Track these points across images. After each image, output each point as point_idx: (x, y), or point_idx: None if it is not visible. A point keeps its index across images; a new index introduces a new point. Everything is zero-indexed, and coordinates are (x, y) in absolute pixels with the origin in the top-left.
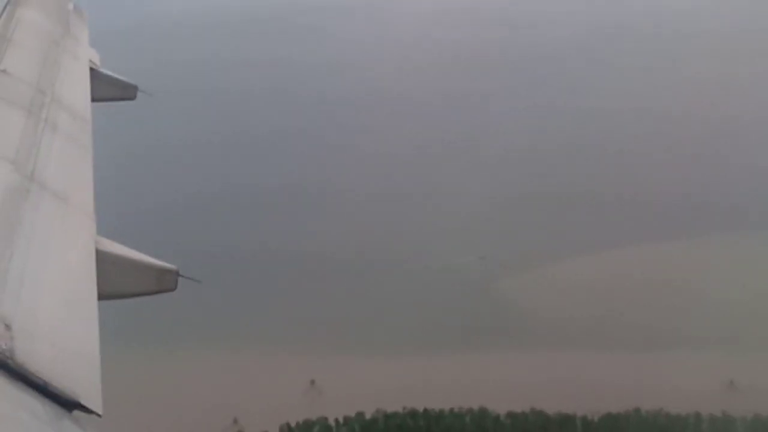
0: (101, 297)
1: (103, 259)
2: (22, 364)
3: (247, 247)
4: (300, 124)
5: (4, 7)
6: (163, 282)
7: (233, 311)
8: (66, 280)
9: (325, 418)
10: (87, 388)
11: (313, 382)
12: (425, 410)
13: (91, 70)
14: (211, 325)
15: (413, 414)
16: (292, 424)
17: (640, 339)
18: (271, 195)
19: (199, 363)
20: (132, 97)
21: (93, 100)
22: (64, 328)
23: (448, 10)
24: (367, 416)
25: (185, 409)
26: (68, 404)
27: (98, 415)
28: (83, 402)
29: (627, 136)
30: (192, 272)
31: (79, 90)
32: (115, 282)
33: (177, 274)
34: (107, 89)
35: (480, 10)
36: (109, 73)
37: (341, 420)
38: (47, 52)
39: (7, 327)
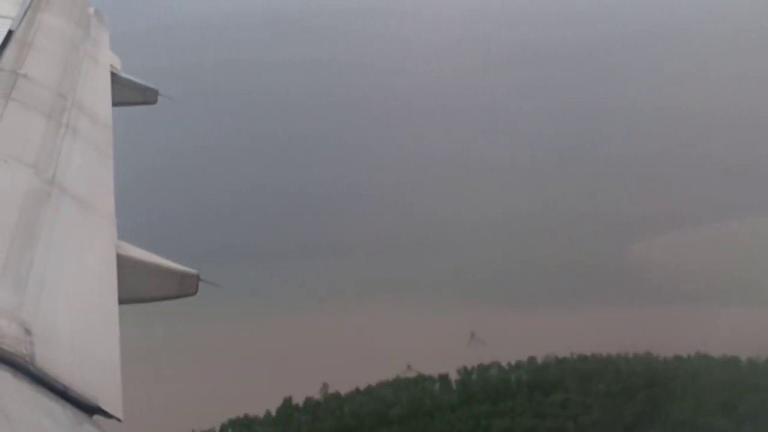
0: (122, 302)
1: (123, 263)
2: (42, 368)
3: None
4: (326, 125)
5: (25, 12)
6: (184, 287)
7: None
8: (86, 285)
9: (498, 362)
10: (107, 392)
11: (473, 334)
12: (593, 355)
13: (112, 74)
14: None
15: (583, 358)
16: (468, 368)
17: None
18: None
19: (376, 316)
20: (153, 101)
21: (113, 104)
22: (85, 333)
23: (460, 10)
24: (539, 361)
25: (365, 356)
26: (89, 409)
27: (119, 420)
28: (104, 407)
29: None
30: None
31: (100, 94)
32: (136, 287)
33: (198, 278)
34: (128, 93)
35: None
36: (130, 77)
37: (513, 363)
38: (68, 56)
39: (27, 332)
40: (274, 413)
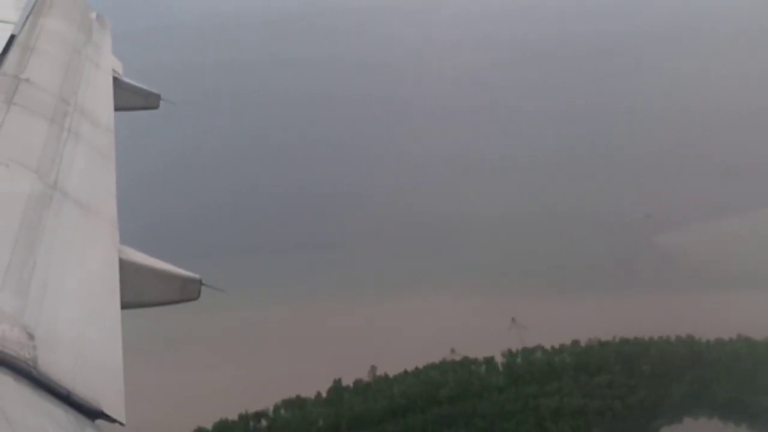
0: (124, 306)
1: (126, 268)
2: (45, 373)
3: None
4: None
5: (27, 16)
6: (186, 291)
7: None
8: (89, 289)
9: (542, 346)
10: (110, 396)
11: (513, 319)
12: (635, 338)
13: (114, 79)
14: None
15: (625, 341)
16: (513, 351)
17: None
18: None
19: (418, 305)
20: (155, 106)
21: (116, 109)
22: (87, 337)
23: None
24: (582, 344)
25: (409, 341)
26: (91, 413)
27: (121, 424)
28: (106, 411)
29: None
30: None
31: (102, 99)
32: (139, 291)
33: (200, 283)
34: (130, 98)
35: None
36: (132, 82)
37: (557, 347)
38: (70, 61)
39: (30, 336)
40: (324, 395)
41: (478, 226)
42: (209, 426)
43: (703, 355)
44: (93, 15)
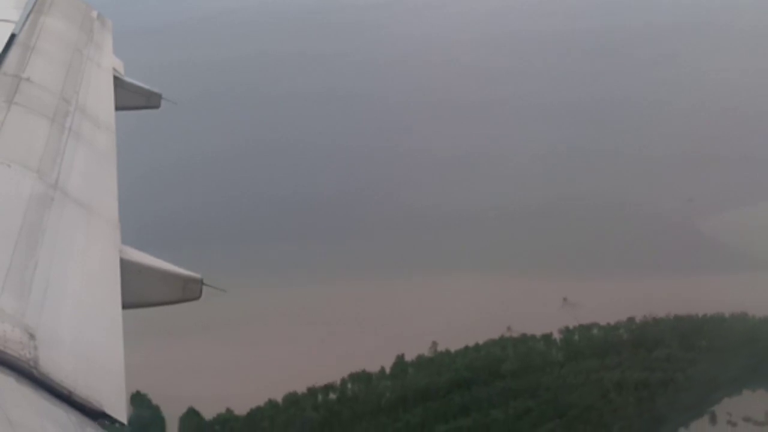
0: (125, 306)
1: (127, 268)
2: (46, 373)
3: None
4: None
5: (28, 16)
6: (187, 291)
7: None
8: (90, 289)
9: (597, 323)
10: (111, 397)
11: (565, 299)
12: (688, 315)
13: (115, 78)
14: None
15: (679, 318)
16: (569, 328)
17: None
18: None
19: (476, 285)
20: (156, 106)
21: (117, 108)
22: (88, 338)
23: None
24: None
25: (466, 319)
26: (92, 413)
27: (123, 424)
28: (107, 411)
29: None
30: None
31: (103, 98)
32: (140, 291)
33: (201, 283)
34: (131, 98)
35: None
36: (133, 81)
37: (613, 324)
38: (71, 60)
39: (31, 336)
40: (388, 370)
41: (529, 212)
42: (279, 398)
43: (758, 332)
44: (94, 14)
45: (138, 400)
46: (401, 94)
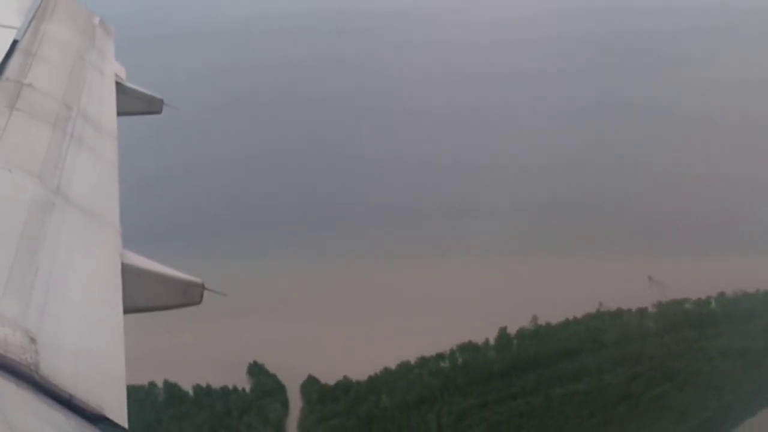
0: (126, 311)
1: (128, 272)
2: (46, 377)
3: None
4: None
5: (30, 21)
6: (188, 295)
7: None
8: (91, 294)
9: (688, 298)
10: (112, 401)
11: (650, 277)
12: (758, 291)
13: (117, 84)
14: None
15: (746, 295)
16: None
17: None
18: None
19: (564, 263)
20: (158, 111)
21: (119, 113)
22: (90, 342)
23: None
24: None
25: (559, 296)
26: (93, 418)
27: (124, 429)
28: (108, 415)
29: None
30: None
31: (105, 104)
32: (141, 296)
33: (202, 287)
34: (133, 103)
35: None
36: (135, 86)
37: (704, 298)
38: (73, 66)
39: (32, 340)
40: (492, 341)
41: (611, 194)
42: (393, 366)
43: None
44: (96, 20)
45: (256, 369)
46: (421, 102)
